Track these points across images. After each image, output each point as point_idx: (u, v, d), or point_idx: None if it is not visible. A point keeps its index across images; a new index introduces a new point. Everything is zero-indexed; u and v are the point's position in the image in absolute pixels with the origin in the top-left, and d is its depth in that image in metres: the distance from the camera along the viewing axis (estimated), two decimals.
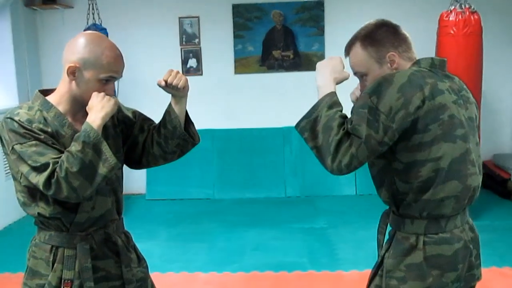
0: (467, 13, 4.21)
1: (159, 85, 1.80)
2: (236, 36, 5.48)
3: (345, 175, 1.54)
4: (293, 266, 3.68)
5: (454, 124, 1.52)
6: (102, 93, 1.69)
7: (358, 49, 1.64)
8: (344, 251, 4.00)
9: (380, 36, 1.61)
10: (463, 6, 4.22)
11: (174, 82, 1.79)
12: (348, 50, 1.68)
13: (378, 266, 1.65)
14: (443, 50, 4.28)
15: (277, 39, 5.51)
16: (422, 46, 4.67)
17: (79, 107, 1.73)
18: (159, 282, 3.49)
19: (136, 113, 1.95)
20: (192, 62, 5.60)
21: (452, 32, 4.24)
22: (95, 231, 1.78)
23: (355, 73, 1.69)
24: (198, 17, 5.53)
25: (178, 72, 1.82)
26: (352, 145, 1.46)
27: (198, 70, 5.61)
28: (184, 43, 5.58)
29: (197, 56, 5.59)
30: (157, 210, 5.29)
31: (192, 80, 5.92)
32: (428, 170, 1.50)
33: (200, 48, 5.58)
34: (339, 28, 5.10)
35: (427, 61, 1.60)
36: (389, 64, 1.61)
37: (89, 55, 1.67)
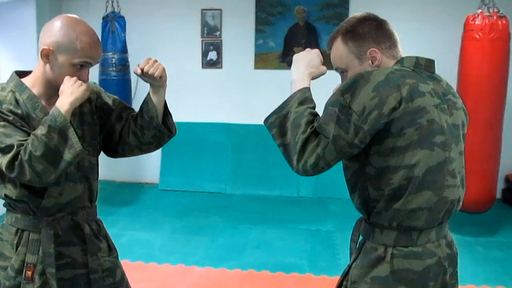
0: (495, 17, 4.00)
1: (136, 73, 1.75)
2: (257, 31, 5.40)
3: (312, 176, 1.45)
4: (291, 268, 3.60)
5: (433, 130, 1.40)
6: (74, 78, 1.65)
7: (339, 43, 1.55)
8: (347, 256, 3.87)
9: (362, 31, 1.51)
10: (490, 10, 4.02)
11: (151, 71, 1.73)
12: (329, 44, 1.59)
13: (345, 275, 1.57)
14: (467, 55, 4.08)
15: (299, 36, 5.40)
16: (446, 49, 4.56)
17: (53, 90, 1.69)
18: (154, 273, 3.53)
19: (116, 101, 1.91)
20: (212, 55, 5.56)
21: (477, 36, 4.04)
22: (62, 217, 1.75)
23: (336, 69, 1.60)
24: (220, 9, 5.48)
25: (155, 61, 1.76)
26: (319, 145, 1.37)
27: (218, 63, 5.56)
28: (205, 35, 5.54)
29: (218, 49, 5.54)
30: (167, 201, 5.28)
31: (211, 73, 5.95)
32: (400, 177, 1.39)
33: (221, 41, 5.53)
34: None
35: (411, 60, 1.49)
36: (370, 61, 1.51)
37: (63, 39, 1.64)
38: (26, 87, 1.70)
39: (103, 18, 4.64)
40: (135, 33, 5.15)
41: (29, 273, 1.70)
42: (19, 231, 1.73)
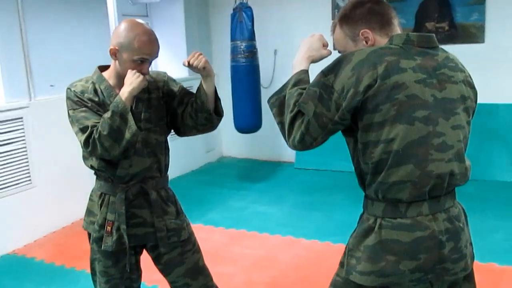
0: None
1: (184, 65, 2.05)
2: None
3: (305, 151, 1.58)
4: None
5: (414, 105, 1.43)
6: (134, 71, 2.00)
7: (337, 28, 1.64)
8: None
9: (354, 14, 1.58)
10: None
11: (195, 63, 2.02)
12: (332, 29, 1.68)
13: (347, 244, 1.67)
14: None
15: (432, 10, 5.16)
16: None
17: (123, 81, 2.07)
18: (263, 242, 3.86)
19: (180, 88, 2.23)
20: None
21: None
22: (133, 184, 2.12)
23: (338, 52, 1.69)
24: None
25: (200, 54, 2.04)
26: (303, 122, 1.51)
27: None
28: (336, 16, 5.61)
29: None
30: (298, 178, 5.55)
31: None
32: (380, 151, 1.45)
33: None
34: None
35: (401, 37, 1.52)
36: (364, 42, 1.57)
37: (124, 39, 1.99)
38: (105, 79, 2.11)
39: (233, 9, 5.05)
40: (263, 21, 5.49)
41: (108, 228, 2.12)
42: (103, 194, 2.16)
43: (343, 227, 3.98)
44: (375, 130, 1.45)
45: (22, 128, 3.92)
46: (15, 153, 3.88)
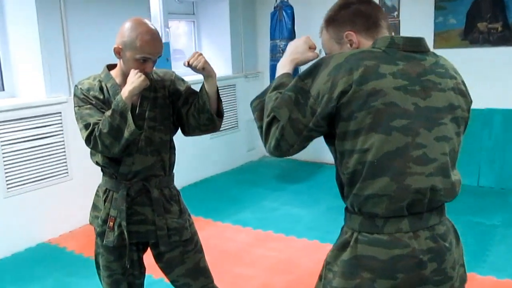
0: None
1: (184, 65, 2.04)
2: (438, 8, 5.06)
3: (280, 157, 1.53)
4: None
5: (392, 113, 1.33)
6: (136, 71, 2.02)
7: (324, 31, 1.57)
8: (498, 254, 3.51)
9: (339, 17, 1.51)
10: None
11: (194, 64, 2.01)
12: (320, 31, 1.61)
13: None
14: None
15: (484, 10, 4.88)
16: None
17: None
18: (287, 245, 3.81)
19: (187, 87, 2.23)
20: None
21: None
22: (136, 182, 2.15)
23: (326, 54, 1.61)
24: None
25: (200, 55, 2.03)
26: (277, 128, 1.45)
27: None
28: None
29: (396, 29, 5.39)
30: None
31: None
32: (355, 162, 1.37)
33: (399, 21, 5.36)
34: None
35: (385, 40, 1.42)
36: (348, 44, 1.49)
37: (127, 39, 2.01)
38: (111, 77, 2.14)
39: (274, 8, 5.01)
40: (306, 19, 5.41)
41: (111, 223, 2.16)
42: (107, 190, 2.20)
43: None
44: (350, 138, 1.37)
45: (61, 123, 4.08)
46: (53, 146, 4.05)
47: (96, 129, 2.01)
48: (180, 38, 6.31)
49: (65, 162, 4.13)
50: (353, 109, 1.34)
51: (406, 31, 5.34)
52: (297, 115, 1.42)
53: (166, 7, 5.63)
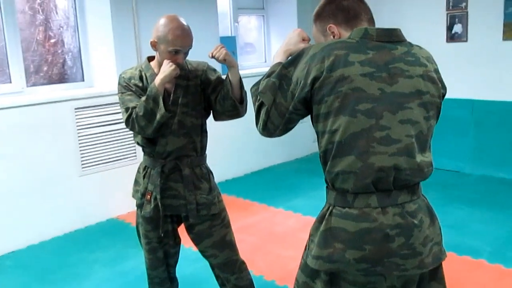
0: None
1: (209, 57, 2.27)
2: None
3: (270, 138, 1.71)
4: (468, 251, 3.42)
5: (357, 98, 1.46)
6: (168, 61, 2.28)
7: (313, 24, 1.73)
8: None
9: (324, 11, 1.66)
10: None
11: (216, 55, 2.23)
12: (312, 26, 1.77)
13: None
14: None
15: None
16: None
17: None
18: None
19: (217, 77, 2.46)
20: (457, 28, 5.31)
21: None
22: (170, 161, 2.42)
23: None
24: None
25: (222, 48, 2.25)
26: (265, 111, 1.64)
27: (463, 37, 5.29)
28: (450, 8, 5.33)
29: (463, 21, 5.26)
30: None
31: (456, 47, 5.77)
32: (326, 141, 1.52)
33: (467, 12, 5.22)
34: None
35: (359, 32, 1.55)
36: (331, 36, 1.64)
37: (161, 33, 2.28)
38: (151, 67, 2.43)
39: None
40: (375, 13, 5.42)
41: (148, 196, 2.45)
42: (146, 167, 2.49)
43: None
44: (322, 120, 1.53)
45: None
46: (123, 132, 4.48)
47: (134, 112, 2.29)
48: (251, 32, 6.57)
49: (134, 146, 4.54)
50: (324, 94, 1.50)
51: (474, 23, 5.20)
52: (280, 100, 1.60)
53: (236, 2, 5.91)
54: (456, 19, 5.31)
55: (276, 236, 3.89)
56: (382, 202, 1.51)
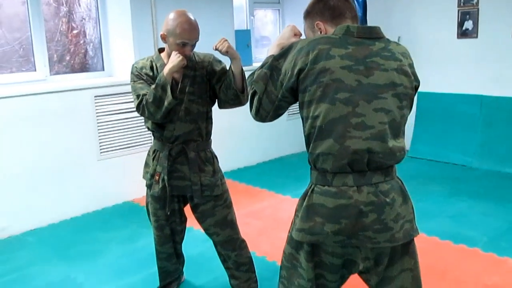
0: None
1: (213, 49, 2.46)
2: None
3: (262, 123, 1.89)
4: (466, 240, 3.55)
5: (337, 88, 1.63)
6: (176, 52, 2.48)
7: (304, 21, 1.90)
8: None
9: (312, 9, 1.84)
10: None
11: (219, 48, 2.41)
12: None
13: None
14: None
15: None
16: None
17: None
18: None
19: (222, 68, 2.65)
20: (468, 24, 5.40)
21: None
22: (177, 145, 2.62)
23: None
24: None
25: (225, 41, 2.43)
26: (257, 98, 1.82)
27: (473, 33, 5.38)
28: (462, 4, 5.42)
29: (474, 18, 5.34)
30: (405, 167, 5.50)
31: (466, 43, 5.90)
32: (309, 126, 1.70)
33: (478, 9, 5.30)
34: None
35: (342, 29, 1.72)
36: (319, 32, 1.81)
37: (169, 27, 2.48)
38: (161, 58, 2.63)
39: None
40: (387, 7, 5.53)
41: (156, 177, 2.66)
42: (155, 151, 2.70)
43: (422, 217, 4.00)
44: (305, 107, 1.71)
45: None
46: (140, 119, 4.70)
47: (144, 99, 2.50)
48: (267, 25, 6.73)
49: (149, 133, 4.74)
50: (307, 84, 1.68)
51: (485, 19, 5.28)
52: (271, 88, 1.78)
53: None
54: (467, 16, 5.39)
55: (280, 221, 4.07)
56: (357, 181, 1.69)
